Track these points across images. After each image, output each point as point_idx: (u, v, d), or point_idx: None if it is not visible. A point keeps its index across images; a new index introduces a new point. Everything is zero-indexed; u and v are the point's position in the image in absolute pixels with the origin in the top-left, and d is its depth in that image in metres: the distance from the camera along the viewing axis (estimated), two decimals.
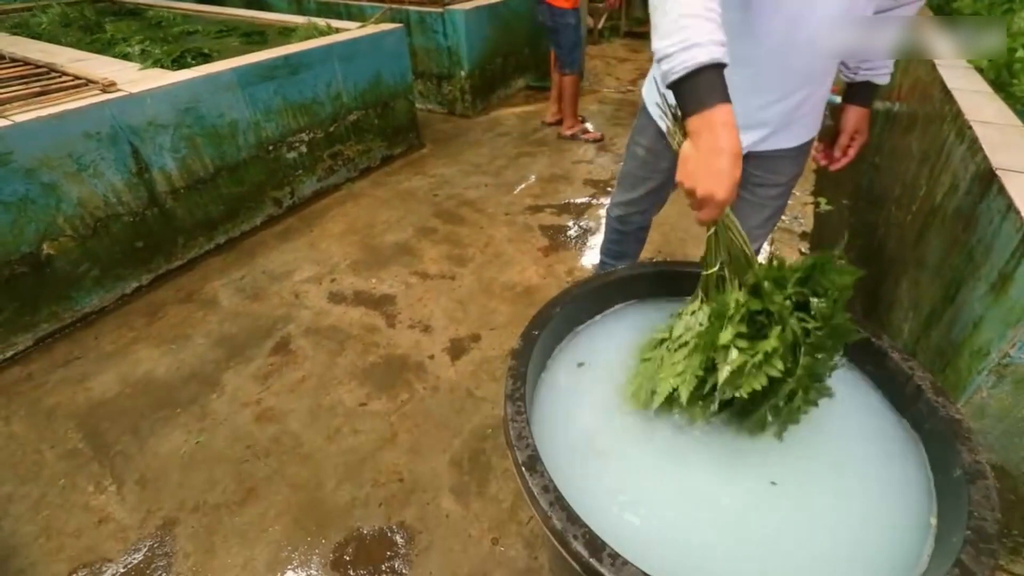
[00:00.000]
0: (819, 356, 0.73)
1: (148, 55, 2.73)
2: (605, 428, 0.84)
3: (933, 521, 0.69)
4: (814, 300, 0.73)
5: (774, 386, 0.72)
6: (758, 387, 0.71)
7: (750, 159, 1.24)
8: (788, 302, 0.74)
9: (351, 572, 1.37)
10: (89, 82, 2.24)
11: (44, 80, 2.33)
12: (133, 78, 2.31)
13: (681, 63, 0.74)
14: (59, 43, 3.03)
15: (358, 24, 3.28)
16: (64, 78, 2.33)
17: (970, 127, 1.18)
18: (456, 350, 2.02)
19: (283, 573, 1.37)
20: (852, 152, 1.30)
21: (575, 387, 0.91)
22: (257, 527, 1.47)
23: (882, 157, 2.19)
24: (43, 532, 1.47)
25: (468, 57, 3.92)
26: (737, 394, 0.73)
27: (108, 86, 2.16)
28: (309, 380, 1.92)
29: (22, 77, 2.39)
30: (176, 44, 3.04)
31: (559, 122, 3.82)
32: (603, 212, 2.87)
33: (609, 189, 3.10)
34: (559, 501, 0.63)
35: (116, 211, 2.20)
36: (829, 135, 1.32)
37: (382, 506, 1.51)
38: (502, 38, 4.21)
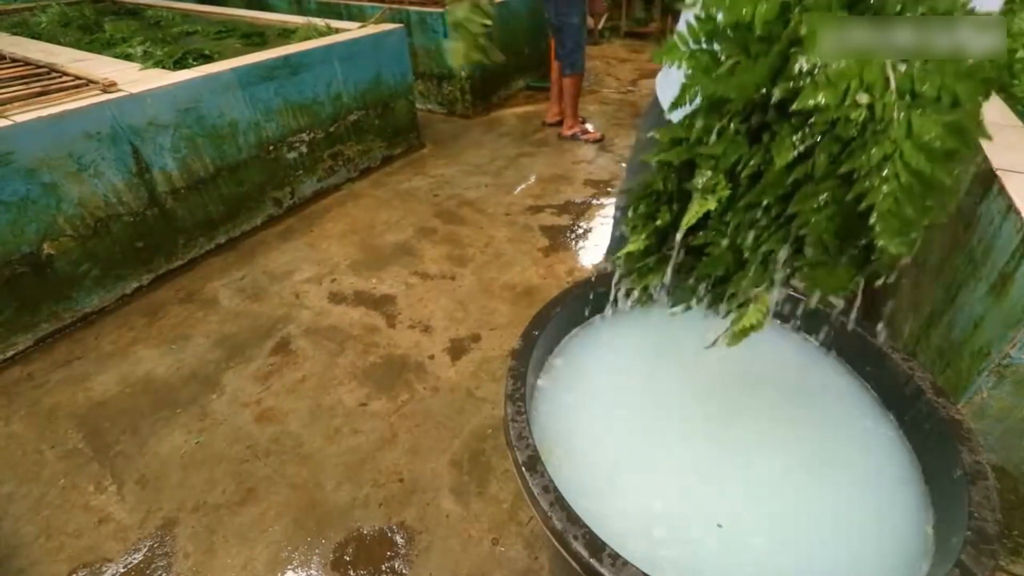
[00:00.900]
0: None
1: (150, 56, 2.73)
2: (607, 431, 0.83)
3: (930, 525, 0.69)
4: None
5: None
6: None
7: None
8: None
9: (351, 572, 1.37)
10: (89, 82, 2.24)
11: (45, 80, 2.33)
12: (133, 78, 2.31)
13: None
14: (58, 43, 3.04)
15: (358, 24, 3.28)
16: (64, 78, 2.33)
17: None
18: (456, 350, 2.02)
19: (283, 573, 1.37)
20: None
21: (575, 387, 0.91)
22: (257, 527, 1.47)
23: None
24: (43, 532, 1.47)
25: None
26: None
27: (108, 86, 2.16)
28: (309, 380, 1.92)
29: (23, 77, 2.39)
30: (176, 45, 3.05)
31: (559, 122, 3.82)
32: (603, 212, 2.88)
33: (610, 189, 3.10)
34: (559, 501, 0.63)
35: (116, 211, 2.20)
36: None
37: (382, 506, 1.51)
38: (502, 38, 4.20)
